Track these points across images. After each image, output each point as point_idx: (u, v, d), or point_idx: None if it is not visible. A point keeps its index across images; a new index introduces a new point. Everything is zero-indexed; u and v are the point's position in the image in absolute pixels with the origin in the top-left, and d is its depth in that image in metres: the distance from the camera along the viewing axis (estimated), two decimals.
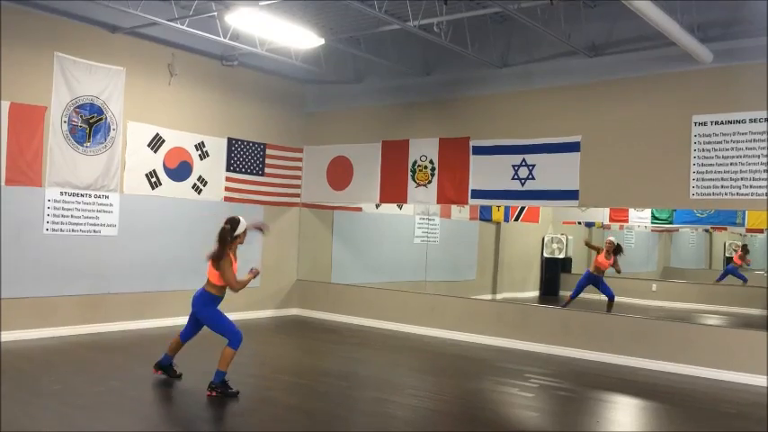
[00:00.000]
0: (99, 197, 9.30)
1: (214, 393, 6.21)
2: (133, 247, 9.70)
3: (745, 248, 14.88)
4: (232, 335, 6.33)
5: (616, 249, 11.85)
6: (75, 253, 9.07)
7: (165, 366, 6.82)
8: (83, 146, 9.11)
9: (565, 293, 15.22)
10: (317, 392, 6.70)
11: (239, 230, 6.37)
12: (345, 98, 11.74)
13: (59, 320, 8.93)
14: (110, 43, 9.36)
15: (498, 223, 14.80)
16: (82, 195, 9.12)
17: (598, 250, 12.15)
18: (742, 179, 8.03)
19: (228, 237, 6.33)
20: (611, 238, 12.13)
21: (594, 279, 11.97)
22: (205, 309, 6.46)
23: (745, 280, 14.54)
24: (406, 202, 11.06)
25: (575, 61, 9.28)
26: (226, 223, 6.41)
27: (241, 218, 6.50)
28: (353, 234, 13.04)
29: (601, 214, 14.07)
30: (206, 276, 6.48)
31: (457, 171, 10.30)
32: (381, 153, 11.19)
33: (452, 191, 10.37)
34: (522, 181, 9.68)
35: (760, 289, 13.32)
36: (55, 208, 8.86)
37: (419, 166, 10.74)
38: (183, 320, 9.83)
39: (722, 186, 8.16)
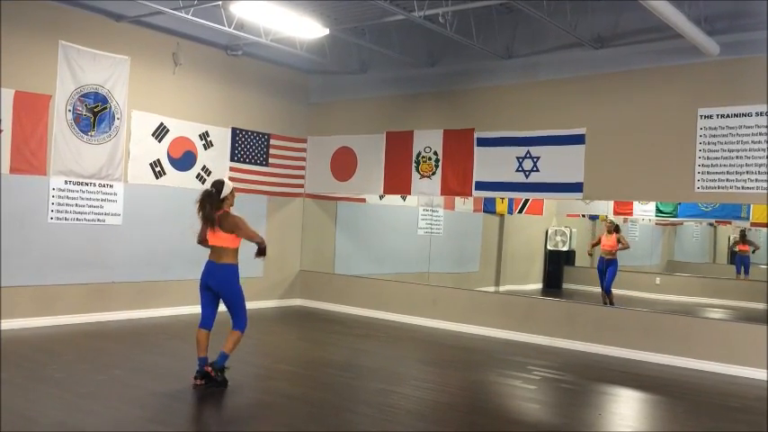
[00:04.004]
0: (103, 186, 9.31)
1: (214, 374, 6.14)
2: (137, 237, 9.72)
3: (743, 234, 14.89)
4: (244, 318, 6.25)
5: (616, 228, 12.29)
6: (79, 242, 9.09)
7: (205, 372, 6.22)
8: (87, 135, 9.11)
9: (568, 286, 15.26)
10: (321, 383, 6.71)
11: (225, 192, 6.19)
12: (350, 89, 11.71)
13: (63, 309, 8.96)
14: (114, 32, 9.34)
15: (502, 215, 14.78)
16: (86, 184, 9.13)
17: (600, 239, 12.51)
18: (747, 173, 8.00)
19: (215, 201, 6.14)
20: (609, 219, 12.46)
21: (606, 263, 12.19)
22: (234, 284, 6.23)
23: (746, 273, 14.56)
24: (409, 193, 11.04)
25: (580, 53, 9.23)
26: (211, 186, 6.23)
27: (225, 179, 6.37)
28: (357, 225, 13.04)
29: (605, 207, 14.06)
30: (215, 251, 6.22)
31: (461, 163, 10.27)
32: (385, 144, 11.17)
33: (456, 182, 10.35)
34: (527, 173, 9.65)
35: (763, 283, 13.31)
36: (59, 197, 8.87)
37: (423, 157, 10.72)
38: (186, 309, 10.00)
39: (727, 180, 8.13)
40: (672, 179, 8.50)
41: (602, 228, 13.01)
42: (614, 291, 12.23)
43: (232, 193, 6.28)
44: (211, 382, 6.23)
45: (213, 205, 6.13)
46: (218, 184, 6.22)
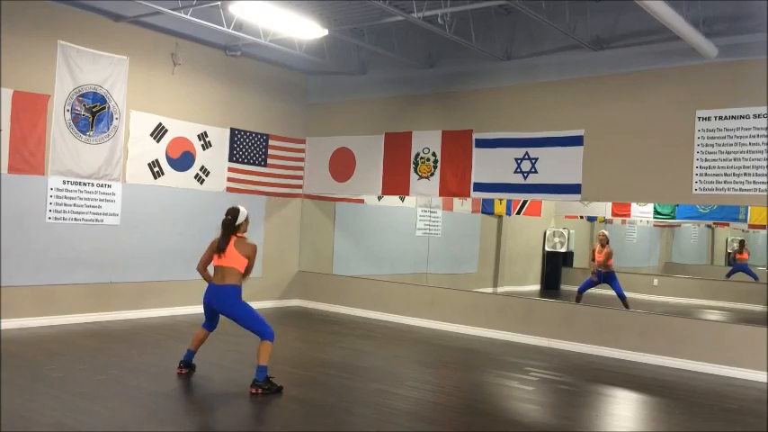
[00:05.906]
0: (101, 186, 9.31)
1: (260, 391, 6.07)
2: (135, 237, 9.72)
3: (742, 243, 14.92)
4: (266, 328, 6.27)
5: (608, 241, 11.75)
6: (77, 242, 9.09)
7: (191, 363, 6.69)
8: (86, 135, 9.11)
9: (566, 287, 15.27)
10: (319, 384, 6.71)
11: (240, 220, 6.37)
12: (348, 89, 11.72)
13: (61, 309, 8.96)
14: (113, 32, 9.34)
15: (500, 216, 14.81)
16: (84, 184, 9.13)
17: (594, 252, 12.00)
18: (745, 175, 8.02)
19: (231, 227, 6.33)
20: (603, 231, 12.11)
21: (604, 276, 11.67)
22: (237, 306, 6.30)
23: (756, 278, 14.48)
24: (408, 194, 11.05)
25: (579, 55, 9.25)
26: (227, 215, 6.39)
27: (241, 207, 6.48)
28: (355, 226, 13.05)
29: (603, 208, 14.07)
30: (221, 272, 6.29)
31: (459, 164, 10.29)
32: (384, 145, 11.18)
33: (455, 183, 10.37)
34: (525, 174, 9.67)
35: (761, 285, 13.34)
36: (57, 197, 8.87)
37: (422, 158, 10.73)
38: (185, 310, 10.03)
39: (725, 182, 8.15)
40: (670, 181, 8.52)
41: (597, 235, 12.80)
42: (612, 292, 12.17)
43: (246, 219, 6.45)
44: (266, 387, 6.16)
45: (231, 233, 6.33)
46: (234, 212, 6.40)
